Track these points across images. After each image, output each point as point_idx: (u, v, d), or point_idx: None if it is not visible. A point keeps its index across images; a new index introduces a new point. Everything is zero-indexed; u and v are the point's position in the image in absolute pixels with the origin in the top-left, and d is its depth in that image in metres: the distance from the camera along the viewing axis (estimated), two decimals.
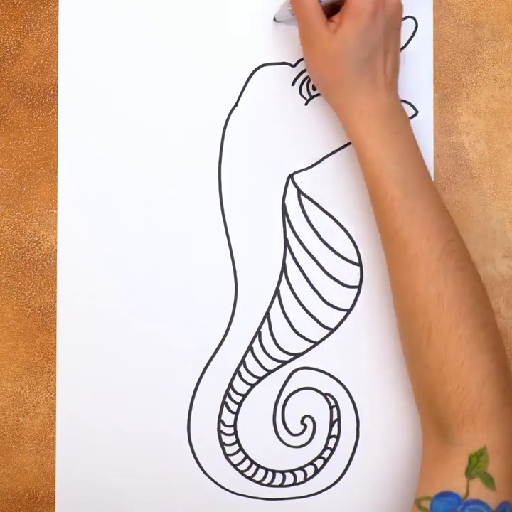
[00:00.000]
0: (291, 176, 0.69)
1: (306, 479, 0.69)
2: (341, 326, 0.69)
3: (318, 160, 0.69)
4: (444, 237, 0.60)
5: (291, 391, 0.69)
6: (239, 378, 0.69)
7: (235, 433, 0.69)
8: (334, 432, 0.69)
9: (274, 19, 0.68)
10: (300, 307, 0.69)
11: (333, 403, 0.69)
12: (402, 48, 0.69)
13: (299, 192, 0.69)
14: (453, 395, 0.59)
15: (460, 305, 0.59)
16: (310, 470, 0.69)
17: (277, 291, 0.69)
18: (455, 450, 0.58)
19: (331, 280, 0.69)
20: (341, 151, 0.69)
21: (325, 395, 0.69)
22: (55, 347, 0.68)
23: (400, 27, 0.64)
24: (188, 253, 0.69)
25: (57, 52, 0.68)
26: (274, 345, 0.69)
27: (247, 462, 0.69)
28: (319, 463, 0.69)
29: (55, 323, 0.68)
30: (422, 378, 0.61)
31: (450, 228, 0.61)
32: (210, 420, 0.69)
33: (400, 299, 0.62)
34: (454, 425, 0.58)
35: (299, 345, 0.69)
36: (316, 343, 0.69)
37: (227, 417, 0.69)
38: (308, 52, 0.63)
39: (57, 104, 0.68)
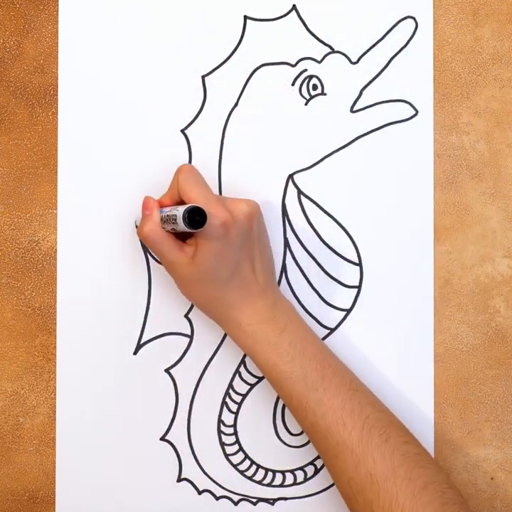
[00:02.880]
0: (291, 176, 0.69)
1: (306, 479, 0.69)
2: (341, 326, 0.69)
3: (318, 160, 0.69)
4: (359, 417, 0.60)
5: None
6: (239, 378, 0.69)
7: (235, 433, 0.69)
8: None
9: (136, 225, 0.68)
10: (300, 307, 0.69)
11: None
12: (402, 48, 0.69)
13: (299, 192, 0.69)
14: None
15: (394, 478, 0.58)
16: (310, 470, 0.69)
17: None
18: None
19: (331, 280, 0.69)
20: (341, 151, 0.69)
21: None
22: (55, 347, 0.68)
23: (259, 231, 0.63)
24: None
25: (57, 52, 0.68)
26: None
27: (247, 462, 0.69)
28: (319, 463, 0.69)
29: (55, 323, 0.68)
30: None
31: (363, 403, 0.61)
32: (210, 420, 0.69)
33: (337, 482, 0.61)
34: None
35: None
36: None
37: (227, 417, 0.69)
38: (173, 276, 0.63)
39: (57, 104, 0.68)
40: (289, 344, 0.62)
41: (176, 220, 0.58)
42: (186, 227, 0.57)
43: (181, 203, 0.62)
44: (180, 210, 0.58)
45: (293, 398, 0.61)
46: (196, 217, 0.57)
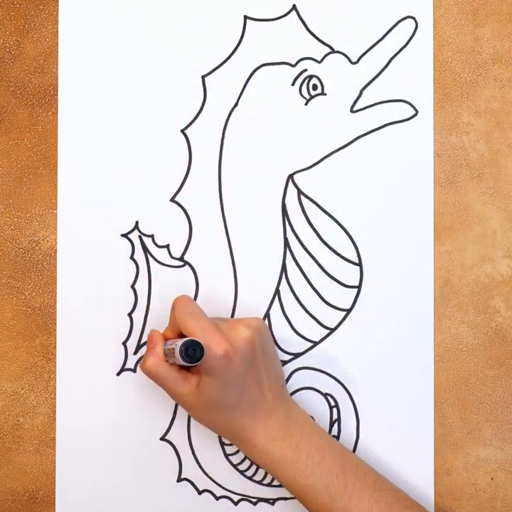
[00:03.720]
0: (291, 176, 0.69)
1: None
2: (341, 326, 0.69)
3: (318, 160, 0.69)
4: None
5: (291, 391, 0.69)
6: None
7: None
8: (334, 431, 0.69)
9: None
10: (300, 307, 0.69)
11: (333, 403, 0.69)
12: (402, 48, 0.69)
13: (299, 192, 0.69)
14: None
15: None
16: None
17: (277, 291, 0.69)
18: None
19: (331, 280, 0.69)
20: (341, 151, 0.69)
21: (325, 395, 0.69)
22: (55, 347, 0.68)
23: (263, 348, 0.63)
24: (188, 253, 0.69)
25: (57, 52, 0.68)
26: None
27: (247, 462, 0.69)
28: None
29: (55, 323, 0.68)
30: None
31: (390, 502, 0.62)
32: None
33: None
34: None
35: (299, 345, 0.69)
36: (316, 343, 0.69)
37: None
38: (181, 405, 0.64)
39: (57, 104, 0.68)
40: (307, 457, 0.62)
41: (174, 354, 0.59)
42: (183, 362, 0.58)
43: (182, 335, 0.62)
44: (178, 344, 0.58)
45: (320, 509, 0.62)
46: (193, 350, 0.57)
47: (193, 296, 0.69)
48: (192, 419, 0.68)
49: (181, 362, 0.58)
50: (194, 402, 0.61)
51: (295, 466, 0.62)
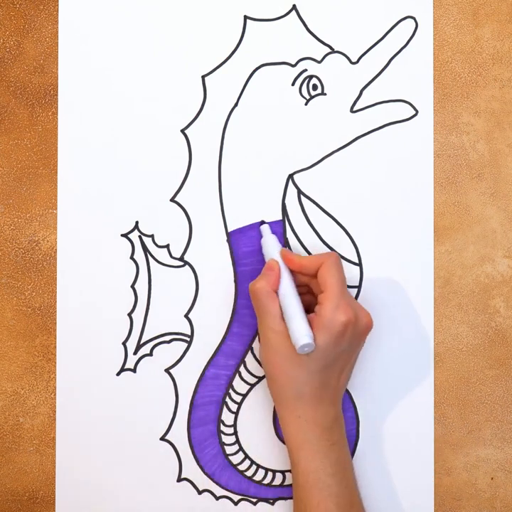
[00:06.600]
0: (291, 176, 0.69)
1: None
2: None
3: (318, 160, 0.69)
4: None
5: None
6: (239, 378, 0.69)
7: (235, 433, 0.69)
8: None
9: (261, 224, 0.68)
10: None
11: None
12: (402, 48, 0.69)
13: (299, 192, 0.69)
14: None
15: None
16: None
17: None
18: None
19: None
20: (341, 151, 0.69)
21: None
22: (55, 347, 0.68)
23: (363, 344, 0.64)
24: (188, 253, 0.69)
25: (57, 52, 0.68)
26: None
27: (247, 462, 0.69)
28: None
29: (55, 323, 0.68)
30: None
31: None
32: (210, 420, 0.69)
33: None
34: None
35: None
36: None
37: (227, 417, 0.69)
38: (264, 344, 0.62)
39: (57, 104, 0.68)
40: (336, 459, 0.62)
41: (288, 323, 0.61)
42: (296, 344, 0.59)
43: (312, 277, 0.63)
44: (294, 329, 0.60)
45: (320, 508, 0.61)
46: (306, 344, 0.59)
47: (193, 296, 0.69)
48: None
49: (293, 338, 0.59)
50: (279, 343, 0.60)
51: (323, 459, 0.61)
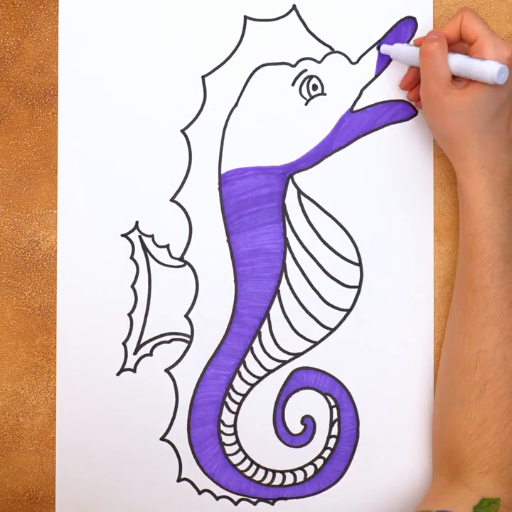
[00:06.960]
0: (291, 176, 0.69)
1: (306, 479, 0.69)
2: (341, 326, 0.69)
3: (318, 160, 0.69)
4: None
5: (291, 391, 0.69)
6: (239, 378, 0.69)
7: (235, 433, 0.69)
8: (334, 432, 0.69)
9: (378, 49, 0.68)
10: (300, 307, 0.69)
11: (333, 403, 0.69)
12: None
13: (299, 192, 0.69)
14: (486, 448, 0.60)
15: None
16: (310, 470, 0.69)
17: (277, 291, 0.69)
18: (468, 490, 0.60)
19: (331, 280, 0.69)
20: (341, 151, 0.69)
21: (325, 395, 0.69)
22: (55, 347, 0.68)
23: None
24: (188, 253, 0.69)
25: (57, 52, 0.68)
26: (274, 345, 0.69)
27: (247, 462, 0.69)
28: (319, 463, 0.69)
29: (55, 323, 0.68)
30: (457, 425, 0.61)
31: None
32: (210, 420, 0.69)
33: (463, 347, 0.62)
34: (476, 472, 0.60)
35: (299, 345, 0.69)
36: (316, 343, 0.69)
37: (227, 417, 0.69)
38: (432, 106, 0.63)
39: (57, 104, 0.68)
40: (510, 210, 0.62)
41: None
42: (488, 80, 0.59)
43: (458, 37, 0.63)
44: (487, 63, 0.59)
45: (484, 255, 0.61)
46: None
47: (192, 296, 0.69)
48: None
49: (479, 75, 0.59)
50: (452, 102, 0.60)
51: (501, 206, 0.62)
